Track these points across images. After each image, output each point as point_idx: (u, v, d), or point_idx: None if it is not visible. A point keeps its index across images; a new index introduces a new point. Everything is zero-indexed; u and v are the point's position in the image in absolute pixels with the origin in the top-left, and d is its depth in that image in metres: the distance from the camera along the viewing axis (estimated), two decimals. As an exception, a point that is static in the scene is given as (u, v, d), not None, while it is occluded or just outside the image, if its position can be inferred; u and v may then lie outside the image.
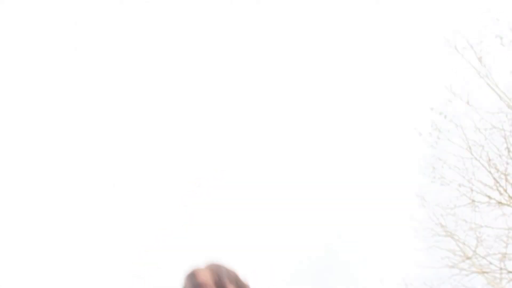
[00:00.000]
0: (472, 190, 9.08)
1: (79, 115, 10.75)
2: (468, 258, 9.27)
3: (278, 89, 11.21)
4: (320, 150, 10.80)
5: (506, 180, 8.41)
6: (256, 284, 1.67)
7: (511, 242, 8.58)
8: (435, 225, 9.75)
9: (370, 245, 9.85)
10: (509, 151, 8.41)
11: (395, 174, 9.74)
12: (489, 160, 8.67)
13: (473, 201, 9.03)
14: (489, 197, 8.68)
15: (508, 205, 8.39)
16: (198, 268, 1.63)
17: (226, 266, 1.65)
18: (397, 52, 9.98)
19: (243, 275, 1.68)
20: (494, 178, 8.62)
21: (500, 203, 8.53)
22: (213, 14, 10.70)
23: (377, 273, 9.68)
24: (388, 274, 9.76)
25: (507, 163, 8.47)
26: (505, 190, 8.43)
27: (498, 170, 8.57)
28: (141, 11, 10.59)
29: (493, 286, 8.78)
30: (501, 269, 8.65)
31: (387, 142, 9.97)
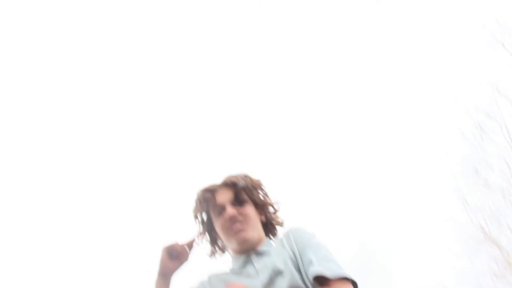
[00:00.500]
0: (517, 194, 8.65)
1: (80, 116, 10.84)
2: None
3: (311, 83, 11.12)
4: (362, 146, 10.50)
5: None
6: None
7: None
8: (477, 230, 9.29)
9: (407, 246, 9.39)
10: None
11: (436, 175, 9.33)
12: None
13: (518, 205, 8.59)
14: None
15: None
16: (214, 185, 1.63)
17: (247, 177, 1.64)
18: (439, 47, 9.77)
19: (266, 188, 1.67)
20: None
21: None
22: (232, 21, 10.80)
23: (414, 276, 9.19)
24: (426, 277, 9.26)
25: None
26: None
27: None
28: (141, 10, 10.78)
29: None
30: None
31: (428, 141, 9.62)
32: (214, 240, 1.66)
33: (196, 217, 1.64)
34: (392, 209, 9.72)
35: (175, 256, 1.53)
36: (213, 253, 1.67)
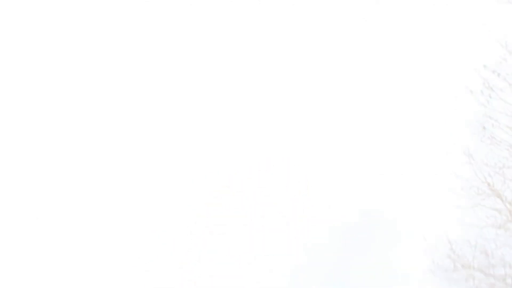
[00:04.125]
0: (524, 151, 8.61)
1: (80, 116, 10.74)
2: (515, 218, 8.82)
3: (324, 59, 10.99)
4: (368, 105, 10.51)
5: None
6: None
7: None
8: (482, 184, 9.35)
9: (414, 201, 9.55)
10: None
11: (443, 131, 9.37)
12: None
13: (524, 162, 8.57)
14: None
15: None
16: None
17: None
18: (448, 7, 9.56)
19: None
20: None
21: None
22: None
23: (420, 230, 9.37)
24: (431, 231, 9.50)
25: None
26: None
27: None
28: (140, 8, 10.54)
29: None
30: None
31: (436, 99, 9.63)
32: None
33: None
34: (399, 165, 9.80)
35: None
36: None
